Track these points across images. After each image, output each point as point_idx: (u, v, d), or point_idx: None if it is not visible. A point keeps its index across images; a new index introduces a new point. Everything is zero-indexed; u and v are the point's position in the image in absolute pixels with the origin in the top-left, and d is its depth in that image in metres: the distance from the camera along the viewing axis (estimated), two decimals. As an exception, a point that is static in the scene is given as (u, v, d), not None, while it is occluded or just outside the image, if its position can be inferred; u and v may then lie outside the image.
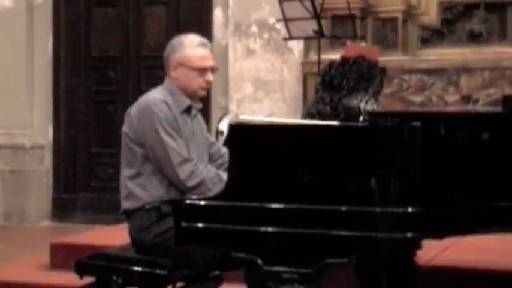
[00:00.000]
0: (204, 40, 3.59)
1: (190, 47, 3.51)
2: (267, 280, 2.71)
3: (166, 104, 3.44)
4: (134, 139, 3.46)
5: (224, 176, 3.20)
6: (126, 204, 3.51)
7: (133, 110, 3.50)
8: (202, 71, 3.50)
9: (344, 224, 2.62)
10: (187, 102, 3.52)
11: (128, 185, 3.49)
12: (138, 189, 3.45)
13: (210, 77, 3.53)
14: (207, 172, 3.35)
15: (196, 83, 3.51)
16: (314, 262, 2.66)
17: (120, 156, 3.56)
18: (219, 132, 3.67)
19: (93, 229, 6.06)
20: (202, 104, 3.72)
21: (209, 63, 3.53)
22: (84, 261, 3.51)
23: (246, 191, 2.73)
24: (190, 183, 3.33)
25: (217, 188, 3.15)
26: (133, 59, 7.74)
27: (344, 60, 3.24)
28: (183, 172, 3.34)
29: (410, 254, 3.48)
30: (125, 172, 3.52)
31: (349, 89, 3.19)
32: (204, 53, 3.52)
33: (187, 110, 3.54)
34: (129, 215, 3.50)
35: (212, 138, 3.82)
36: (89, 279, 3.48)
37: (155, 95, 3.50)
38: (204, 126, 3.71)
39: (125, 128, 3.52)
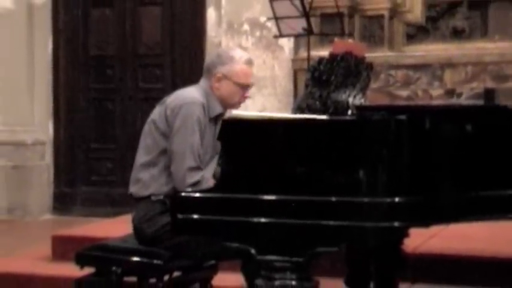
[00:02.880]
0: (251, 58, 3.61)
1: (239, 63, 3.51)
2: (260, 268, 2.70)
3: (204, 108, 3.43)
4: (161, 128, 3.44)
5: None
6: (133, 188, 3.50)
7: (170, 100, 3.47)
8: (245, 87, 3.52)
9: (334, 214, 2.62)
10: (219, 110, 3.51)
11: (140, 171, 3.48)
12: (148, 178, 3.44)
13: (249, 93, 3.56)
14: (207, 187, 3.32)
15: (237, 97, 3.53)
16: (305, 251, 2.66)
17: (140, 140, 3.53)
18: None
19: (92, 222, 6.06)
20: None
21: (251, 80, 3.55)
22: (84, 252, 3.51)
23: (239, 183, 2.72)
24: (187, 189, 3.29)
25: None
26: (130, 57, 7.73)
27: (332, 56, 3.23)
28: (191, 177, 3.31)
29: (398, 242, 3.48)
30: (140, 158, 3.50)
31: (337, 84, 3.18)
32: (249, 71, 3.54)
33: (216, 118, 3.52)
34: (134, 201, 3.49)
35: None
36: (89, 270, 3.47)
37: (196, 95, 3.47)
38: None
39: (154, 116, 3.49)
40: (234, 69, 3.49)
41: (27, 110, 7.75)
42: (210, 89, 3.51)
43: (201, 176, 3.33)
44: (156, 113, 3.49)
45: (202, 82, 3.56)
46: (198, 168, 3.35)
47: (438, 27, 6.95)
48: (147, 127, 3.50)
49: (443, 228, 3.88)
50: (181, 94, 3.50)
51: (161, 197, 3.40)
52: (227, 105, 3.54)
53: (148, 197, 3.43)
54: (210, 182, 3.30)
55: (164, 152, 3.43)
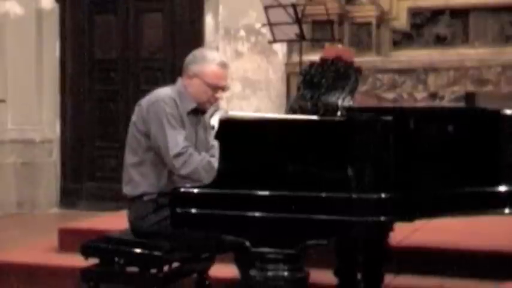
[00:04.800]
0: (225, 61, 3.54)
1: (211, 64, 3.45)
2: (255, 260, 2.70)
3: (175, 101, 3.41)
4: (141, 129, 3.43)
5: (216, 164, 3.19)
6: (126, 190, 3.49)
7: (145, 101, 3.46)
8: (215, 88, 3.47)
9: (324, 209, 2.62)
10: (193, 105, 3.49)
11: (130, 172, 3.47)
12: (139, 176, 3.43)
13: (220, 94, 3.50)
14: (200, 161, 3.30)
15: (206, 96, 3.47)
16: (297, 243, 2.66)
17: (126, 143, 3.53)
18: (210, 127, 3.64)
19: (96, 215, 6.04)
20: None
21: (223, 83, 3.48)
22: (89, 244, 3.50)
23: (235, 179, 2.72)
24: (184, 171, 3.30)
25: (209, 176, 3.13)
26: (132, 61, 7.72)
27: (323, 61, 3.23)
28: (177, 162, 3.31)
29: (384, 236, 3.48)
30: (129, 159, 3.49)
31: (327, 87, 3.18)
32: (221, 72, 3.47)
33: (193, 113, 3.50)
34: (129, 201, 3.48)
35: (212, 142, 3.73)
36: (93, 261, 3.47)
37: (166, 92, 3.47)
38: (209, 130, 3.66)
39: (134, 118, 3.48)
40: (205, 69, 3.45)
41: (35, 110, 7.74)
42: (183, 86, 3.49)
43: (188, 154, 3.30)
44: (135, 115, 3.48)
45: (178, 81, 3.54)
46: (179, 154, 3.31)
47: (422, 34, 6.97)
48: (130, 129, 3.50)
49: (426, 223, 3.88)
50: (154, 94, 3.48)
51: (153, 197, 3.39)
52: (197, 103, 3.50)
53: (141, 196, 3.42)
54: (205, 160, 3.29)
55: (148, 150, 3.41)
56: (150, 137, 3.39)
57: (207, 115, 3.65)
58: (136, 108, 3.49)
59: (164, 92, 3.48)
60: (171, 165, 3.33)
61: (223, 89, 3.51)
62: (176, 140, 3.33)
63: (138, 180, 3.43)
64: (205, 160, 3.31)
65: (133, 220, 3.45)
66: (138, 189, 3.42)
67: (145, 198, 3.40)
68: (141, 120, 3.43)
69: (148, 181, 3.40)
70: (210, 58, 3.48)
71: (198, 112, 3.54)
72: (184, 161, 3.30)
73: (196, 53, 3.54)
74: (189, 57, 3.52)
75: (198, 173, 3.26)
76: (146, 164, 3.42)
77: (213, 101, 3.51)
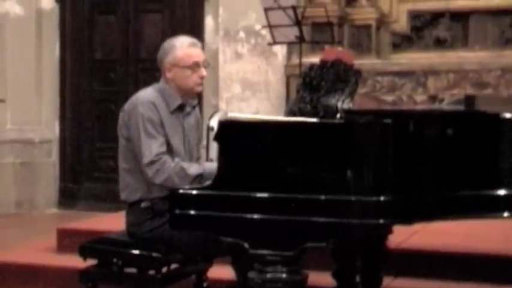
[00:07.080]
0: (194, 40, 3.48)
1: (181, 48, 3.40)
2: (253, 262, 2.70)
3: (154, 104, 3.34)
4: (125, 134, 3.41)
5: (191, 168, 3.20)
6: (123, 195, 3.47)
7: (127, 106, 3.42)
8: (195, 67, 3.39)
9: (323, 211, 2.61)
10: (178, 101, 3.42)
11: (124, 177, 3.45)
12: (133, 181, 3.40)
13: (203, 72, 3.41)
14: (173, 168, 3.24)
15: (191, 80, 3.40)
16: (295, 246, 2.65)
17: (118, 149, 3.53)
18: (209, 128, 3.62)
19: (95, 216, 6.03)
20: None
21: (200, 59, 3.41)
22: (88, 245, 3.49)
23: (234, 181, 2.71)
24: (158, 180, 3.25)
25: (183, 182, 3.13)
26: (132, 61, 7.71)
27: (323, 63, 3.23)
28: (150, 171, 3.26)
29: (382, 238, 3.47)
30: (121, 165, 3.48)
31: (327, 89, 3.17)
32: (193, 51, 3.41)
33: (180, 109, 3.45)
34: (127, 206, 3.47)
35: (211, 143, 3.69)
36: (91, 262, 3.46)
37: (145, 95, 3.40)
38: (200, 122, 3.63)
39: (119, 124, 3.47)
40: (178, 55, 3.38)
41: (35, 110, 7.74)
42: (166, 83, 3.43)
43: (161, 162, 3.24)
44: (120, 121, 3.45)
45: (161, 79, 3.48)
46: (152, 162, 3.25)
47: (422, 37, 6.98)
48: (118, 135, 3.47)
49: (425, 226, 3.88)
50: (134, 97, 3.43)
51: (149, 204, 3.36)
52: (187, 91, 3.43)
53: (139, 202, 3.39)
54: (177, 166, 3.24)
55: (135, 155, 3.38)
56: (132, 142, 3.37)
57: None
58: (121, 114, 3.45)
59: (144, 94, 3.41)
60: (145, 173, 3.29)
61: (204, 65, 3.43)
62: (150, 148, 3.28)
63: (134, 185, 3.40)
64: (178, 166, 3.25)
65: (130, 226, 3.43)
66: (136, 194, 3.39)
67: (142, 205, 3.37)
68: (125, 126, 3.40)
69: (144, 185, 3.37)
70: (178, 44, 3.42)
71: (184, 108, 3.48)
72: (157, 170, 3.25)
73: (165, 45, 3.47)
74: (160, 52, 3.46)
75: (172, 180, 3.21)
76: (137, 168, 3.37)
77: (199, 81, 3.41)
